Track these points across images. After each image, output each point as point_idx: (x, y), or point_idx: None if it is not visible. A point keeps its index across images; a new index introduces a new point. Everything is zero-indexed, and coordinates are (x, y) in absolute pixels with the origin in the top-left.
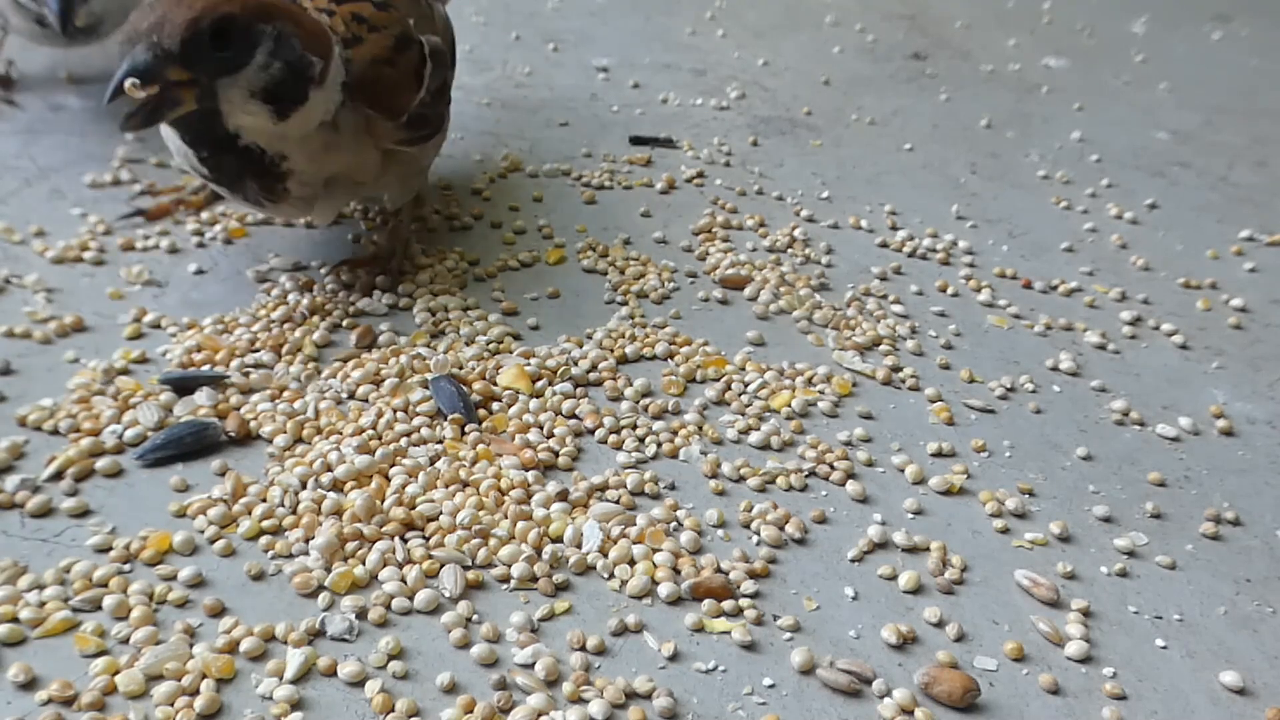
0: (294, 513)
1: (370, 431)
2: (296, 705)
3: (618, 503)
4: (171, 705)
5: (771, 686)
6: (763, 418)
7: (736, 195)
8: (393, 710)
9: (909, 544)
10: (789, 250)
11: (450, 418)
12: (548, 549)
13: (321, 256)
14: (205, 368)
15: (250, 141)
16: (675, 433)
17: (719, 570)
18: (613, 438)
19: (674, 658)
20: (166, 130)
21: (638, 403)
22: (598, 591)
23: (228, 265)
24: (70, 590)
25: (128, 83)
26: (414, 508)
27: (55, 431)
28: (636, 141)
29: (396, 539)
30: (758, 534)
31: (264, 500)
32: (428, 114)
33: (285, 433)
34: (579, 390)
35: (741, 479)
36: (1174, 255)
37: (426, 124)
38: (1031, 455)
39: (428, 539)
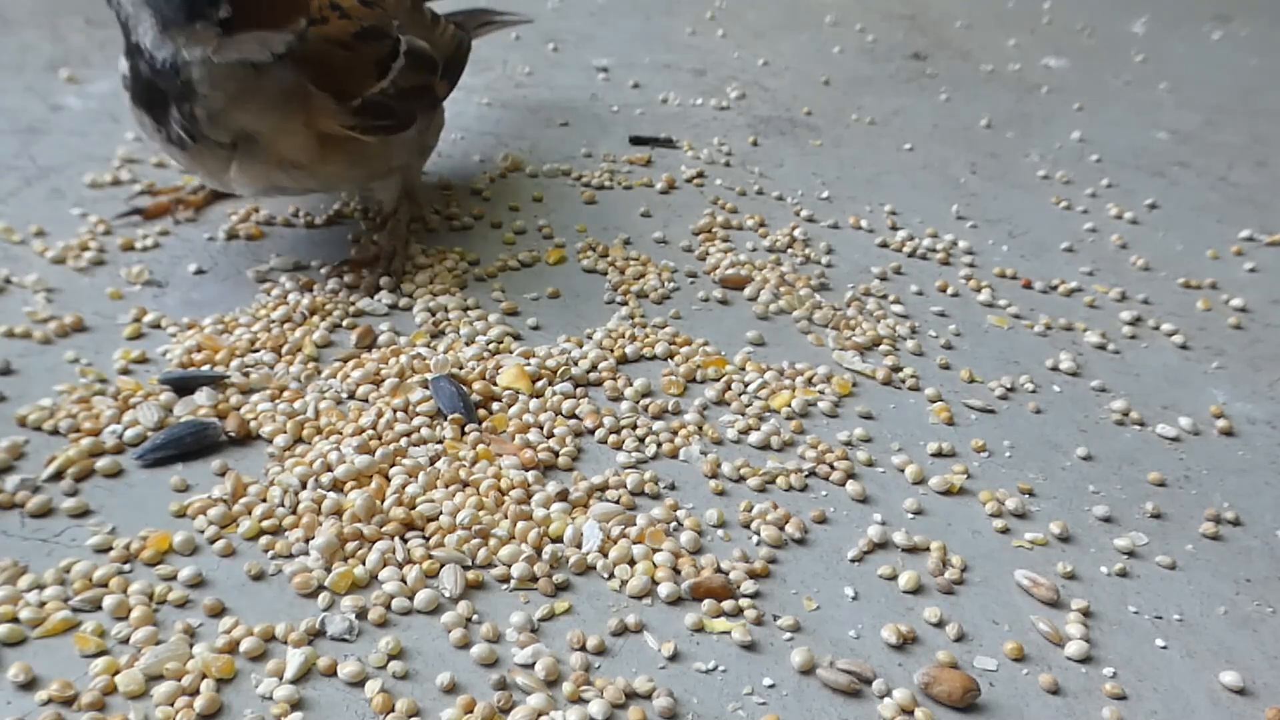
0: (294, 513)
1: (370, 431)
2: (296, 705)
3: (618, 503)
4: (171, 705)
5: (771, 686)
6: (763, 418)
7: (736, 195)
8: (393, 710)
9: (909, 544)
10: (789, 250)
11: (450, 418)
12: (548, 549)
13: (321, 256)
14: (205, 368)
15: (139, 39)
16: (675, 433)
17: (719, 570)
18: (613, 438)
19: (674, 658)
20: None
21: (638, 403)
22: (598, 591)
23: (228, 265)
24: (70, 590)
25: None
26: (414, 508)
27: (55, 431)
28: (636, 141)
29: (396, 539)
30: (758, 534)
31: (264, 500)
32: (391, 106)
33: (285, 433)
34: (579, 390)
35: (741, 479)
36: (1174, 255)
37: (388, 115)
38: (1031, 455)
39: (428, 539)
